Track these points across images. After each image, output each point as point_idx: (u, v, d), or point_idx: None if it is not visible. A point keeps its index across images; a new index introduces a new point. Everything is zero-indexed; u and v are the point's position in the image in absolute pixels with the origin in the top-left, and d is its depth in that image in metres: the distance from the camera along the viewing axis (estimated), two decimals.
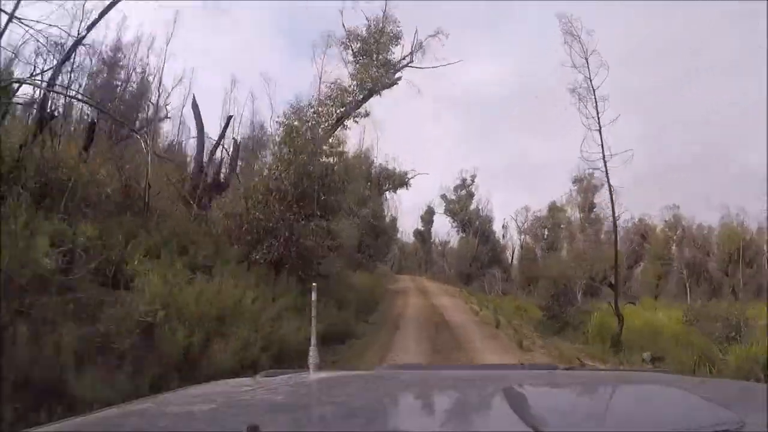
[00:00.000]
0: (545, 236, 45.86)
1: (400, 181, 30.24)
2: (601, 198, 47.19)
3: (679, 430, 0.93)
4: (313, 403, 1.22)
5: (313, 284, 2.60)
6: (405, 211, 63.43)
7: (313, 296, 2.56)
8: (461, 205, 40.87)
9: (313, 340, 2.23)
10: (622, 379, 1.63)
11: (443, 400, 1.29)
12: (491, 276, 29.13)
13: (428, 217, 54.26)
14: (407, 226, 53.32)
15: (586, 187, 47.09)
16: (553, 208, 45.97)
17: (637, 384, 1.44)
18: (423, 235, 55.91)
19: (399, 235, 52.90)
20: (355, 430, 0.95)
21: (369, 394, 1.27)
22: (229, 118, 18.10)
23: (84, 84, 18.73)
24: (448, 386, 1.39)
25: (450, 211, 41.11)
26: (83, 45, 11.95)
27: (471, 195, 40.84)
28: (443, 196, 42.20)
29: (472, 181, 40.61)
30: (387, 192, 31.31)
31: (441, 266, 46.67)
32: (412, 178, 31.20)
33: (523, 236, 43.76)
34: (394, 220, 53.51)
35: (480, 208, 41.33)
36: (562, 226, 46.05)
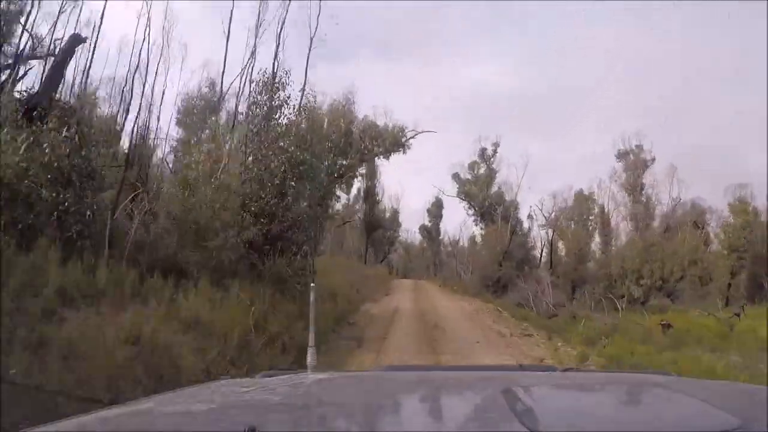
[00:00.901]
0: (571, 228, 36.15)
1: (393, 140, 20.10)
2: (652, 177, 37.85)
3: (678, 431, 0.94)
4: (311, 404, 1.19)
5: (312, 284, 3.46)
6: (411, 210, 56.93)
7: (312, 297, 3.37)
8: (480, 186, 30.70)
9: (311, 342, 2.92)
10: (621, 381, 1.62)
11: (442, 400, 1.29)
12: (535, 280, 18.90)
13: (436, 210, 47.37)
14: (412, 223, 44.73)
15: (633, 162, 37.48)
16: (580, 197, 36.50)
17: (637, 386, 1.43)
18: (430, 232, 48.48)
19: (404, 235, 45.85)
20: (354, 430, 0.99)
21: (368, 394, 1.27)
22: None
23: None
24: (446, 387, 1.39)
25: (466, 195, 30.97)
26: None
27: (493, 172, 30.59)
28: (456, 176, 32.09)
29: (494, 152, 30.41)
30: (377, 157, 21.14)
31: (453, 267, 38.90)
32: (412, 137, 21.04)
33: (552, 231, 33.67)
34: (395, 212, 44.98)
35: (504, 190, 31.09)
36: (591, 217, 36.66)
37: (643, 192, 37.33)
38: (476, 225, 32.11)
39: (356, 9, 45.88)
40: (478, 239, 34.50)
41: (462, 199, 31.19)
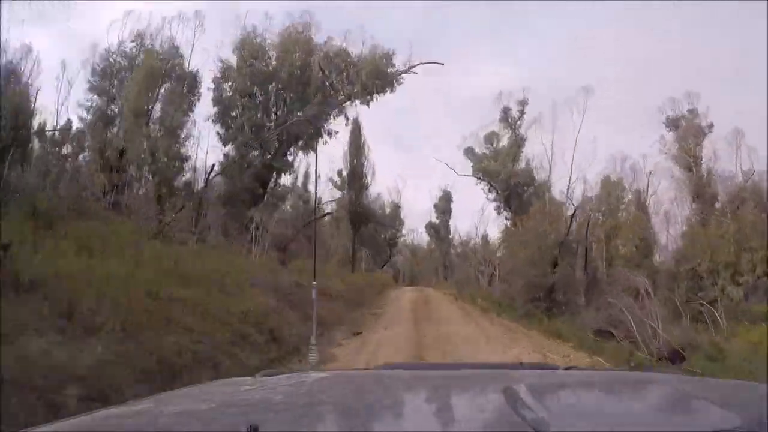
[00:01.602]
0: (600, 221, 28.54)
1: (374, 71, 12.38)
2: (711, 146, 30.21)
3: (679, 430, 0.94)
4: (313, 403, 1.15)
5: (313, 282, 3.47)
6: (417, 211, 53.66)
7: (314, 295, 3.52)
8: (503, 160, 22.93)
9: (313, 340, 3.05)
10: (622, 380, 1.61)
11: (443, 399, 1.28)
12: (623, 288, 10.96)
13: (444, 204, 39.07)
14: (418, 223, 41.28)
15: (685, 130, 29.85)
16: (607, 184, 29.18)
17: (638, 384, 1.42)
18: (438, 230, 40.70)
19: (409, 236, 40.57)
20: (355, 429, 0.96)
21: (369, 393, 1.25)
22: None
23: None
24: (448, 385, 1.37)
25: (484, 173, 23.17)
26: None
27: (520, 140, 22.80)
28: (469, 151, 24.34)
29: (521, 113, 22.62)
30: (351, 103, 13.47)
31: (466, 270, 32.26)
32: (405, 72, 13.29)
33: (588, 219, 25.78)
34: (396, 208, 38.28)
35: (534, 165, 23.23)
36: (622, 206, 29.39)
37: (703, 165, 29.96)
38: (499, 213, 24.35)
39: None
40: (493, 236, 26.81)
41: (479, 178, 23.39)
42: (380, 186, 40.86)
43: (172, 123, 13.47)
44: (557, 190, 21.56)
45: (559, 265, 13.56)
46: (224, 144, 13.72)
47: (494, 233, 29.83)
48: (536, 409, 0.90)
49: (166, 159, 12.47)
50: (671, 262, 23.83)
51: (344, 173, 22.87)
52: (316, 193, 8.63)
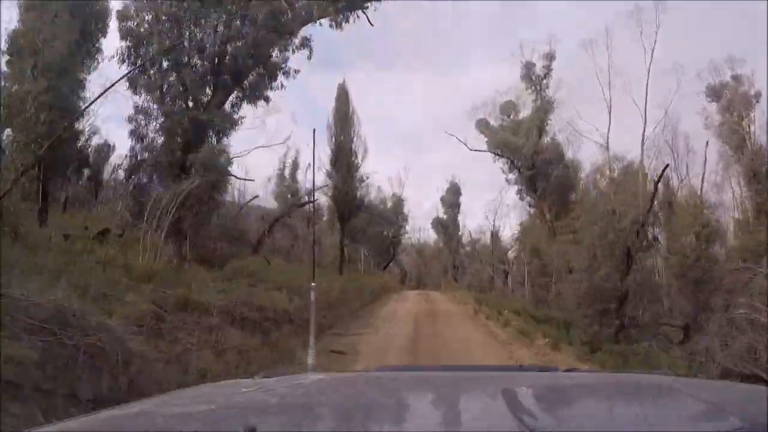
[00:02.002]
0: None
1: None
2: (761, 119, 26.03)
3: (678, 431, 0.94)
4: (311, 404, 1.17)
5: (312, 284, 3.32)
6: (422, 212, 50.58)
7: (312, 297, 3.37)
8: (526, 131, 18.48)
9: (312, 342, 2.95)
10: (621, 382, 1.58)
11: (442, 401, 1.27)
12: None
13: (452, 197, 36.50)
14: (423, 221, 37.63)
15: (731, 99, 25.65)
16: (629, 171, 25.14)
17: (637, 386, 1.41)
18: (446, 227, 37.35)
19: (416, 235, 38.05)
20: (353, 430, 0.96)
21: (367, 394, 1.27)
22: None
23: None
24: (446, 387, 1.36)
25: (503, 147, 18.73)
26: None
27: (547, 104, 18.34)
28: (482, 124, 20.00)
29: (548, 70, 18.14)
30: (315, 23, 9.04)
31: (479, 270, 30.29)
32: None
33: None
34: (399, 201, 34.53)
35: (562, 139, 18.84)
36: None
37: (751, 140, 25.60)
38: (521, 198, 19.95)
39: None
40: (507, 232, 22.50)
41: (497, 154, 18.92)
42: (380, 179, 37.16)
43: (58, 62, 9.19)
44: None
45: (635, 262, 8.91)
46: (135, 92, 9.50)
47: (508, 228, 25.71)
48: (535, 411, 0.90)
49: (33, 109, 8.20)
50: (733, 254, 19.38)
51: (328, 150, 18.48)
52: (314, 173, 5.24)
